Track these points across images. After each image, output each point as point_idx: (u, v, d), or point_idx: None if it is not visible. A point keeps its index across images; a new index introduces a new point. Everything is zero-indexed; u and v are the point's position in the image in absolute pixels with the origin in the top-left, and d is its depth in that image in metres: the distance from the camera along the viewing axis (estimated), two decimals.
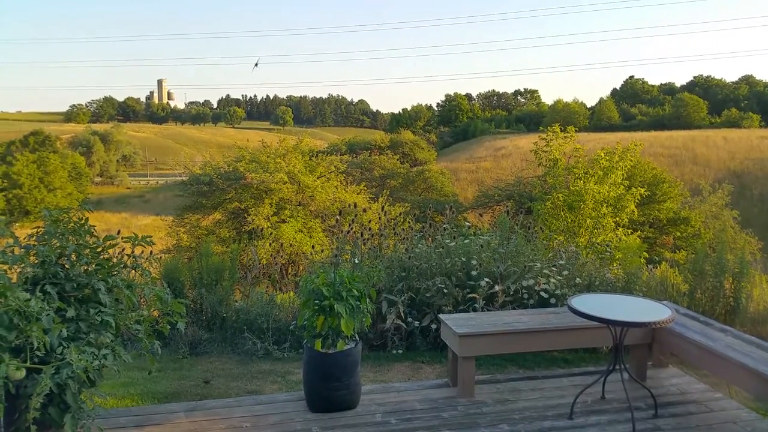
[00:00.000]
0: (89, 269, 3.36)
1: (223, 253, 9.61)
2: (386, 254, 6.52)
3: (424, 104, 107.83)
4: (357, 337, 3.99)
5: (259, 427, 3.68)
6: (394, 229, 7.38)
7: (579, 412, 3.89)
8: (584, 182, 15.28)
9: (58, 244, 3.33)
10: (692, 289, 6.46)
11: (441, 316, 4.45)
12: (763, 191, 42.34)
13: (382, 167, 34.22)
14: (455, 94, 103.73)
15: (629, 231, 15.91)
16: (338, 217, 7.77)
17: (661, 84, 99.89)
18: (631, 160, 16.26)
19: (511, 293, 6.01)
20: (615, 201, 15.35)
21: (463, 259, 6.17)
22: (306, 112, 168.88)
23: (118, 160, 76.59)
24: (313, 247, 9.95)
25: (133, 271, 3.61)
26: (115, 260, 3.50)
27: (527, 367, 5.31)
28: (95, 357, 2.95)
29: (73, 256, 3.35)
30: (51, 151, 52.70)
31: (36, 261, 3.26)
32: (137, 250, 3.62)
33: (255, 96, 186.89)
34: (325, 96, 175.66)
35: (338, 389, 3.85)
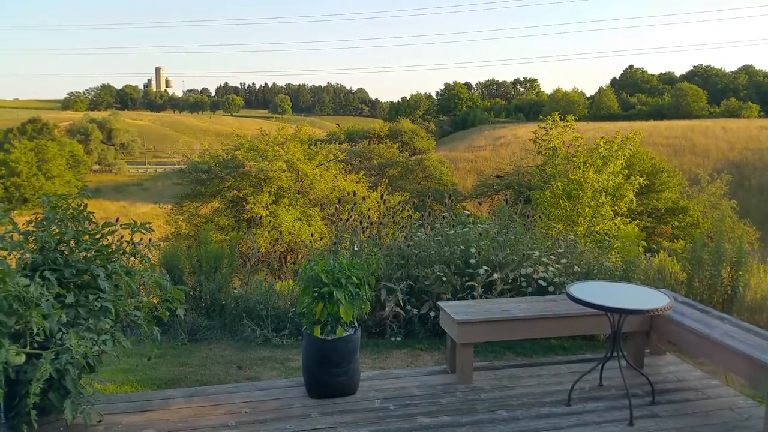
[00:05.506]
0: (88, 255, 3.36)
1: (222, 241, 9.59)
2: (385, 242, 6.52)
3: (423, 93, 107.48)
4: (356, 324, 3.99)
5: (258, 412, 3.69)
6: (393, 217, 7.37)
7: (576, 399, 3.91)
8: (583, 171, 15.28)
9: (57, 231, 3.32)
10: (690, 278, 6.48)
11: (440, 303, 4.45)
12: (762, 181, 42.36)
13: (381, 156, 34.17)
14: (454, 83, 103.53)
15: (628, 220, 15.94)
16: (337, 206, 7.74)
17: (661, 73, 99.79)
18: (630, 150, 16.25)
19: (510, 281, 6.03)
20: (614, 190, 15.38)
21: (462, 247, 6.17)
22: (305, 101, 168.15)
23: (116, 148, 76.32)
24: (312, 235, 9.94)
25: (133, 257, 3.61)
26: (114, 247, 3.50)
27: (525, 354, 5.33)
28: (95, 343, 2.96)
29: (72, 242, 3.35)
30: (49, 139, 52.49)
31: (35, 247, 3.26)
32: (136, 237, 3.62)
33: (253, 84, 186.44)
34: (324, 84, 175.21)
35: (337, 375, 3.86)
